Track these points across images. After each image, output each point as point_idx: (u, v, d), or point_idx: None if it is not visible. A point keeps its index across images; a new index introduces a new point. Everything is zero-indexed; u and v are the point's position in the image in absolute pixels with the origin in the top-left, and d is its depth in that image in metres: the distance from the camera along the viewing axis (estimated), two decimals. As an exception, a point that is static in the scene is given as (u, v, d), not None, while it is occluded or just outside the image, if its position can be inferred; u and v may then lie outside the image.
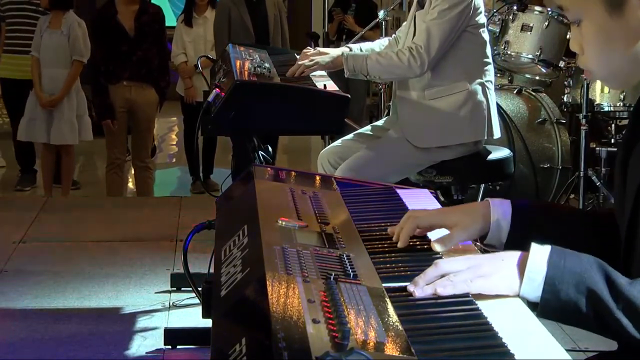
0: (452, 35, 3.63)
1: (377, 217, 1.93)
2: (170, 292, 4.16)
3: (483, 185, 4.65)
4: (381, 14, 6.07)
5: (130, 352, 3.52)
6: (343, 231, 1.76)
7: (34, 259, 4.69)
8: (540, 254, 1.47)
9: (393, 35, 4.07)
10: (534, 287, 1.45)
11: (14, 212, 5.74)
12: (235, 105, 3.26)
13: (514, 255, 1.51)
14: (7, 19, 7.14)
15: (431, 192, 2.23)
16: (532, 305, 1.48)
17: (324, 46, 6.81)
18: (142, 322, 3.82)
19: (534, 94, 5.39)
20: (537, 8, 5.31)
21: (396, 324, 1.32)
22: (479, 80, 3.72)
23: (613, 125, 5.26)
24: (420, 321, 1.38)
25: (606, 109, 5.11)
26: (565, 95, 5.28)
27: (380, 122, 4.08)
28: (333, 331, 1.23)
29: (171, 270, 4.42)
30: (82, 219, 5.58)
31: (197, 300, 3.82)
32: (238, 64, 3.57)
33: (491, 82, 3.79)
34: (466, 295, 1.47)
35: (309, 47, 3.95)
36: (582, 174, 4.86)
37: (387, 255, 1.69)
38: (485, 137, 3.77)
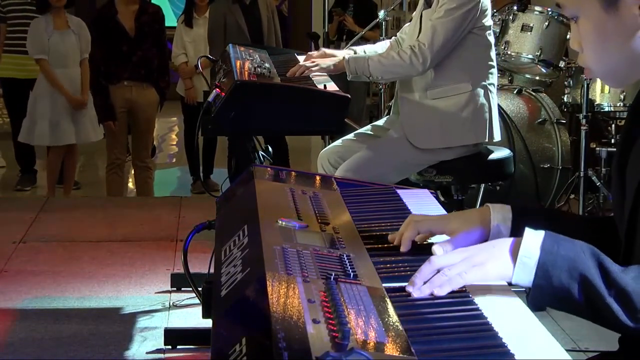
0: (457, 34, 3.61)
1: (377, 217, 1.93)
2: (170, 292, 4.16)
3: (483, 185, 4.65)
4: (381, 14, 6.06)
5: (130, 352, 3.52)
6: (343, 231, 1.76)
7: (34, 259, 4.69)
8: (533, 239, 1.48)
9: (394, 37, 4.06)
10: (527, 271, 1.46)
11: (14, 212, 5.73)
12: (235, 105, 3.25)
13: (506, 241, 1.52)
14: (9, 20, 7.12)
15: (431, 192, 2.23)
16: (525, 293, 1.49)
17: (323, 46, 6.80)
18: (142, 322, 3.82)
19: (534, 94, 5.38)
20: (537, 8, 5.31)
21: (396, 324, 1.32)
22: (482, 83, 3.71)
23: (613, 126, 5.26)
24: (420, 321, 1.38)
25: (606, 109, 5.11)
26: (566, 96, 5.28)
27: (380, 122, 4.08)
28: (333, 331, 1.23)
29: (171, 270, 4.42)
30: (82, 219, 5.57)
31: (197, 301, 3.82)
32: (238, 64, 3.57)
33: (494, 85, 3.78)
34: (466, 295, 1.47)
35: (314, 51, 3.94)
36: (582, 174, 4.86)
37: (387, 255, 1.69)
38: (486, 140, 3.77)
